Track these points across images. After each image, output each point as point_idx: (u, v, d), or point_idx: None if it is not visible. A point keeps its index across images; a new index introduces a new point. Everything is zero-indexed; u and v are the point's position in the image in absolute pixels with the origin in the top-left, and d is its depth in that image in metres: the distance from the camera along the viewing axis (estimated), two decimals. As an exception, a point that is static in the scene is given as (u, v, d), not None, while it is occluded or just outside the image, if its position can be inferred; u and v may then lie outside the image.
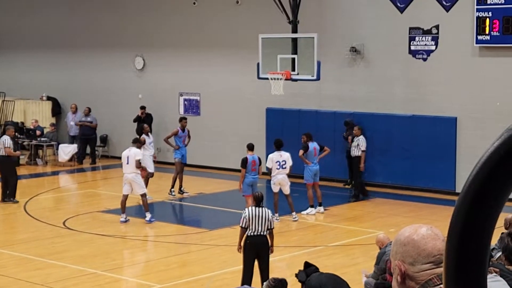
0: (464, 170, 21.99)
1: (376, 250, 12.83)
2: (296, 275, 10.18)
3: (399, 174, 23.62)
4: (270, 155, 20.07)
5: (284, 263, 16.57)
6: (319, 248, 17.33)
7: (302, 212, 20.57)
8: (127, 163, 19.91)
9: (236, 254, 16.71)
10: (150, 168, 22.46)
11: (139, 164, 20.00)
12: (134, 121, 28.27)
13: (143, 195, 20.02)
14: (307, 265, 10.22)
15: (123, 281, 15.48)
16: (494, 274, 8.78)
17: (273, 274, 15.12)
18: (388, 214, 20.97)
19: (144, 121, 28.20)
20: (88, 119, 29.49)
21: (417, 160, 23.27)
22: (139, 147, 20.41)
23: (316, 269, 10.13)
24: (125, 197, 19.85)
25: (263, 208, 14.13)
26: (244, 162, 19.45)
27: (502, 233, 12.29)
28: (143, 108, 28.24)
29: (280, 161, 19.76)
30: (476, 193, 1.49)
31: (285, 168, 19.79)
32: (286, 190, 19.97)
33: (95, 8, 30.32)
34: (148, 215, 19.91)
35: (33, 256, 16.52)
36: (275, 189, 19.97)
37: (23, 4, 32.56)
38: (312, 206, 20.81)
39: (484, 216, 1.48)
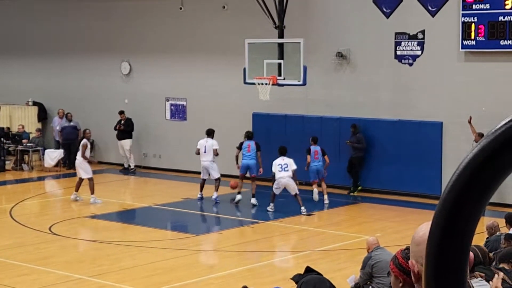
0: (450, 175, 21.77)
1: (362, 255, 12.85)
2: (293, 277, 10.26)
3: (385, 179, 23.66)
4: (274, 161, 21.34)
5: (270, 268, 16.56)
6: (305, 253, 17.33)
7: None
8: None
9: (223, 259, 16.71)
10: (88, 173, 22.76)
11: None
12: (115, 128, 28.33)
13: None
14: (308, 269, 10.27)
15: (109, 286, 15.43)
16: (480, 278, 8.83)
17: (261, 279, 15.14)
18: (375, 219, 21.01)
19: (124, 125, 28.19)
20: (72, 124, 29.42)
21: (403, 165, 23.32)
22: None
23: (317, 275, 10.17)
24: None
25: None
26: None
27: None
28: (122, 112, 28.24)
29: (282, 164, 21.07)
30: (455, 200, 1.49)
31: (287, 170, 20.98)
32: (292, 191, 21.15)
33: (81, 14, 30.26)
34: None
35: (18, 262, 16.45)
36: (277, 191, 21.20)
37: (9, 10, 32.46)
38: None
39: (463, 223, 1.49)
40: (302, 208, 21.07)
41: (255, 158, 22.45)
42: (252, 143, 22.59)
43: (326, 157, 22.47)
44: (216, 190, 22.65)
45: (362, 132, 23.79)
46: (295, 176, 21.15)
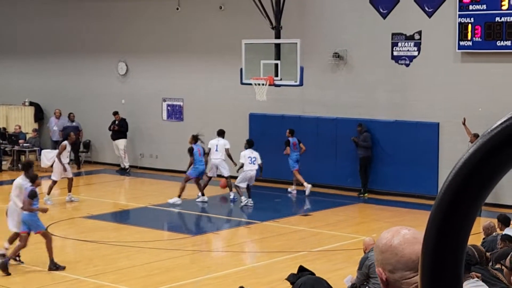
0: (446, 175, 21.72)
1: (359, 255, 12.86)
2: (288, 277, 10.24)
3: (382, 179, 23.66)
4: (243, 152, 22.40)
5: (267, 268, 16.56)
6: (301, 254, 17.33)
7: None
8: None
9: (219, 259, 16.69)
10: (55, 174, 22.99)
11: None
12: (109, 128, 28.31)
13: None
14: (301, 269, 10.25)
15: (105, 287, 15.43)
16: (476, 279, 8.82)
17: (257, 279, 15.13)
18: (371, 219, 21.01)
19: (119, 125, 28.17)
20: (74, 124, 29.39)
21: (399, 166, 23.32)
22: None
23: (311, 274, 10.16)
24: None
25: None
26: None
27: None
28: (116, 113, 28.24)
29: (251, 156, 22.17)
30: (451, 200, 1.49)
31: (255, 164, 22.20)
32: (251, 182, 22.38)
33: (78, 14, 30.24)
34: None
35: (15, 262, 16.43)
36: (244, 185, 22.19)
37: (5, 10, 32.43)
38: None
39: (459, 223, 1.49)
40: (243, 198, 22.18)
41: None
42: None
43: (301, 144, 23.68)
44: (230, 189, 23.00)
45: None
46: (262, 169, 22.24)
